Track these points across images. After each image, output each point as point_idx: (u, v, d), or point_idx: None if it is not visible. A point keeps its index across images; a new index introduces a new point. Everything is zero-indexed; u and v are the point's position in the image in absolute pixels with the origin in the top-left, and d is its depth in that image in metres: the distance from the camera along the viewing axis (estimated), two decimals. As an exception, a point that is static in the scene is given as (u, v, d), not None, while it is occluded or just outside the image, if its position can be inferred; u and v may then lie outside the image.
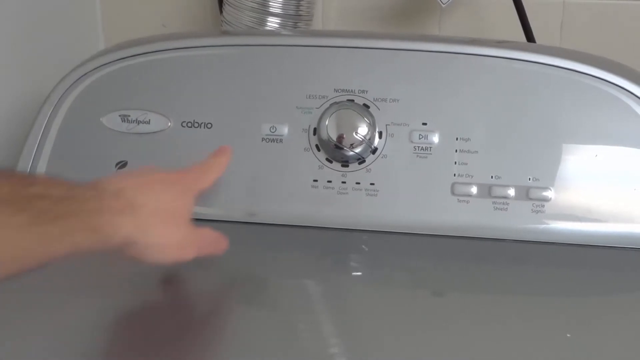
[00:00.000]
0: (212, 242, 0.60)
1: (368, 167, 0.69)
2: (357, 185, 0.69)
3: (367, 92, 0.70)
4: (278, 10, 0.87)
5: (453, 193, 0.68)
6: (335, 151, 0.69)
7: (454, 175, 0.68)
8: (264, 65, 0.73)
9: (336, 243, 0.69)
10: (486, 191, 0.68)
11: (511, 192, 0.67)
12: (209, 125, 0.72)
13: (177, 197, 0.57)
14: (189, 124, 0.72)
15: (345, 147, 0.69)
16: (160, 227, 0.54)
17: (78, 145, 0.74)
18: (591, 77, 0.68)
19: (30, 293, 0.57)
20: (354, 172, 0.70)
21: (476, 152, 0.68)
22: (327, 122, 0.69)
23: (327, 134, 0.69)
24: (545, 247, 0.67)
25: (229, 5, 0.89)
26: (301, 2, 0.89)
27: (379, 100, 0.70)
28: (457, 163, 0.68)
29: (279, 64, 0.72)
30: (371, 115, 0.69)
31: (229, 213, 0.71)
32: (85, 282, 0.60)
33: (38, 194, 0.46)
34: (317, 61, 0.72)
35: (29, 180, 0.48)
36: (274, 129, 0.71)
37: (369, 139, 0.68)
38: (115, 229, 0.50)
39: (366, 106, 0.70)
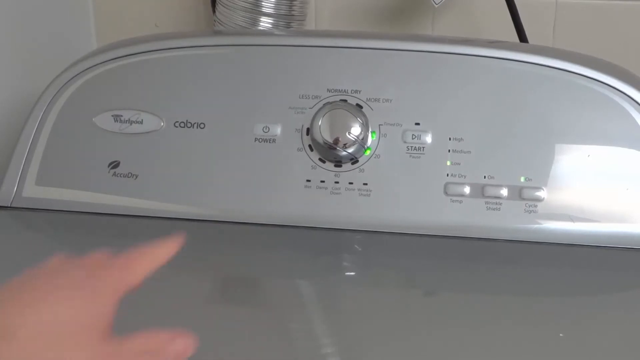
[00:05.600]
0: (154, 349, 0.42)
1: (361, 167, 0.69)
2: (350, 185, 0.69)
3: (360, 92, 0.70)
4: (271, 10, 0.87)
5: (446, 193, 0.68)
6: (328, 151, 0.69)
7: (447, 175, 0.68)
8: (256, 65, 0.73)
9: (329, 243, 0.69)
10: (479, 191, 0.68)
11: (504, 192, 0.67)
12: (202, 126, 0.72)
13: (89, 299, 0.41)
14: (182, 124, 0.72)
15: (338, 147, 0.69)
16: (50, 351, 0.38)
17: (70, 145, 0.74)
18: (584, 77, 0.68)
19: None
20: (347, 172, 0.70)
21: (469, 152, 0.68)
22: (320, 122, 0.69)
23: (320, 134, 0.69)
24: (538, 246, 0.67)
25: (221, 5, 0.89)
26: (294, 2, 0.89)
27: (372, 100, 0.70)
28: (450, 163, 0.68)
29: (272, 64, 0.72)
30: (364, 115, 0.69)
31: (220, 213, 0.71)
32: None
33: None
34: (310, 61, 0.72)
35: None
36: (267, 129, 0.71)
37: (362, 139, 0.68)
38: None
39: (359, 106, 0.70)
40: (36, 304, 0.39)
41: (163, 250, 0.46)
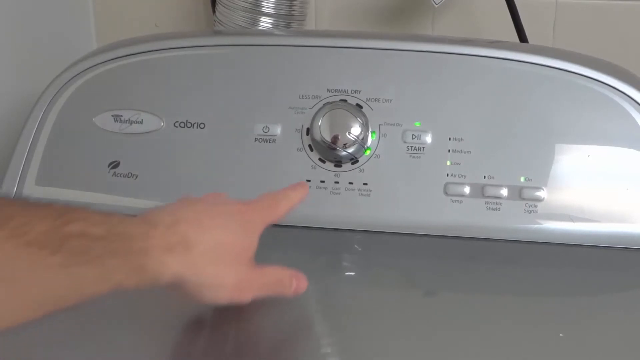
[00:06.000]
0: (277, 282, 0.55)
1: (361, 167, 0.69)
2: (350, 185, 0.69)
3: (360, 92, 0.70)
4: (271, 10, 0.87)
5: (446, 193, 0.68)
6: (328, 151, 0.69)
7: (447, 175, 0.68)
8: (256, 65, 0.73)
9: (329, 243, 0.69)
10: (479, 191, 0.68)
11: (504, 192, 0.67)
12: (202, 126, 0.72)
13: (238, 232, 0.53)
14: (182, 124, 0.72)
15: (338, 147, 0.69)
16: (215, 266, 0.50)
17: (70, 145, 0.74)
18: (584, 77, 0.68)
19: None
20: (347, 172, 0.70)
21: (469, 152, 0.68)
22: (320, 122, 0.69)
23: (320, 134, 0.69)
24: (538, 246, 0.67)
25: (221, 5, 0.89)
26: (294, 2, 0.89)
27: (372, 100, 0.70)
28: (450, 163, 0.68)
29: (272, 64, 0.72)
30: (364, 115, 0.69)
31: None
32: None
33: (76, 232, 0.43)
34: (310, 61, 0.72)
35: (68, 217, 0.44)
36: (267, 129, 0.71)
37: (362, 139, 0.68)
38: (163, 268, 0.47)
39: (359, 106, 0.70)
40: (208, 229, 0.50)
41: (297, 194, 0.59)
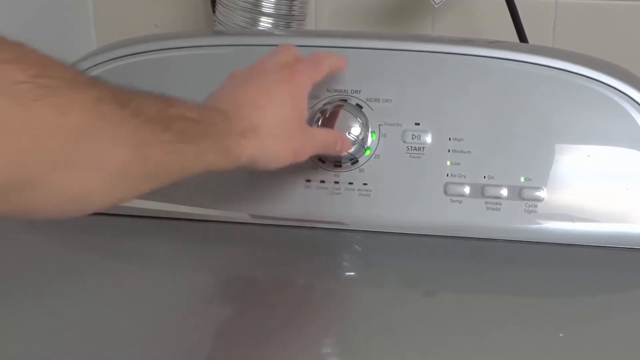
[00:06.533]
0: (326, 143, 0.64)
1: (361, 167, 0.69)
2: (350, 185, 0.69)
3: (360, 92, 0.70)
4: (271, 10, 0.87)
5: (446, 193, 0.68)
6: (328, 151, 0.69)
7: (447, 175, 0.68)
8: (256, 65, 0.72)
9: (329, 243, 0.69)
10: (479, 191, 0.68)
11: (504, 192, 0.67)
12: (202, 126, 0.72)
13: (291, 102, 0.59)
14: (182, 124, 0.72)
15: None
16: (278, 141, 0.58)
17: (70, 145, 0.74)
18: (584, 77, 0.68)
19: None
20: (347, 172, 0.70)
21: (469, 152, 0.68)
22: (320, 122, 0.69)
23: (320, 134, 0.69)
24: (538, 247, 0.67)
25: (221, 5, 0.89)
26: (294, 2, 0.89)
27: (372, 100, 0.70)
28: (450, 163, 0.68)
29: (272, 64, 0.72)
30: (364, 115, 0.69)
31: (220, 213, 0.71)
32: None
33: (178, 115, 0.49)
34: (310, 61, 0.72)
35: (169, 102, 0.50)
36: (267, 129, 0.71)
37: (362, 139, 0.68)
38: (241, 150, 0.55)
39: (359, 106, 0.70)
40: (267, 109, 0.58)
41: (338, 58, 0.67)
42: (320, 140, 0.64)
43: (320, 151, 0.65)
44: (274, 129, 0.57)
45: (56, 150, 0.42)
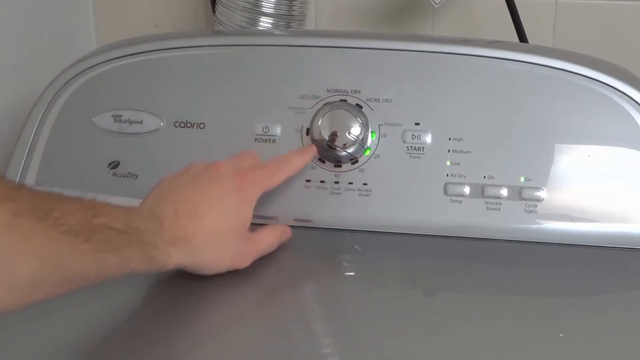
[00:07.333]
0: (268, 246, 0.64)
1: (361, 167, 0.69)
2: (350, 185, 0.69)
3: (359, 92, 0.70)
4: (270, 10, 0.87)
5: (446, 193, 0.68)
6: (328, 151, 0.69)
7: (447, 175, 0.68)
8: (256, 65, 0.73)
9: (329, 243, 0.69)
10: (479, 191, 0.68)
11: (504, 192, 0.67)
12: (202, 125, 0.72)
13: (235, 210, 0.60)
14: (182, 124, 0.72)
15: (338, 147, 0.69)
16: (212, 250, 0.58)
17: (70, 145, 0.74)
18: (584, 77, 0.68)
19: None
20: (347, 172, 0.70)
21: (469, 152, 0.68)
22: (319, 122, 0.69)
23: (320, 134, 0.69)
24: (538, 247, 0.67)
25: (221, 5, 0.89)
26: (294, 2, 0.89)
27: (372, 100, 0.70)
28: (450, 163, 0.68)
29: (272, 64, 0.72)
30: (364, 115, 0.69)
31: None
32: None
33: (102, 225, 0.50)
34: (309, 61, 0.72)
35: (96, 211, 0.51)
36: (267, 129, 0.71)
37: (362, 139, 0.68)
38: (168, 259, 0.55)
39: (359, 106, 0.70)
40: (206, 218, 0.57)
41: (300, 159, 0.67)
42: (264, 244, 0.63)
43: (263, 254, 0.63)
44: (210, 238, 0.57)
45: None
